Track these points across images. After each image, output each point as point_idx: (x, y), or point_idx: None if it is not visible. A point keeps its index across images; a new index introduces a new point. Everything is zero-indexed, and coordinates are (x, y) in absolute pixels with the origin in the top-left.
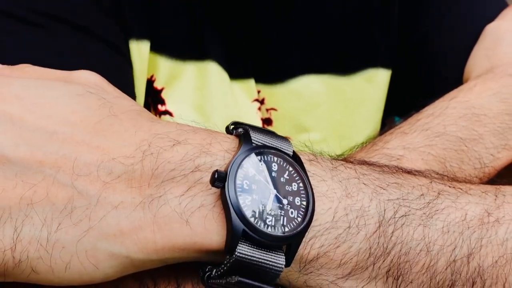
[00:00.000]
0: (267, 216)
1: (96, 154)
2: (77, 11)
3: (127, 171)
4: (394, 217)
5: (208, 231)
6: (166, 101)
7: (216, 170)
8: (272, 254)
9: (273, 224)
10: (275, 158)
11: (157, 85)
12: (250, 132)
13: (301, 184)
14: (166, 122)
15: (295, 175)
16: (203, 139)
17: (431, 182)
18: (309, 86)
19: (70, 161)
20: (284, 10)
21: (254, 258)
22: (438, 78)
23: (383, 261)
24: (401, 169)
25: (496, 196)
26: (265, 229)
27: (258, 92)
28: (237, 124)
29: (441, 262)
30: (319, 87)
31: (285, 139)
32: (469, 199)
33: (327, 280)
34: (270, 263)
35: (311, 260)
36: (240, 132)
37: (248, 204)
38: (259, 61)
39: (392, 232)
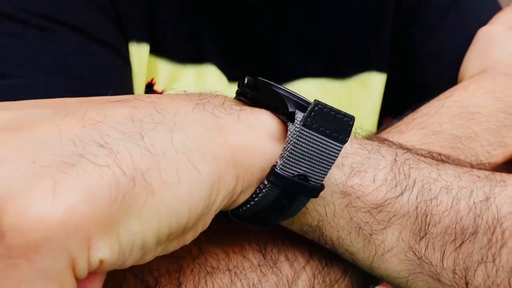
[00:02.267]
0: None
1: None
2: (77, 14)
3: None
4: (407, 159)
5: (262, 121)
6: None
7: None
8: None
9: None
10: None
11: (157, 88)
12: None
13: None
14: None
15: None
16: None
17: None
18: (305, 89)
19: None
20: (282, 16)
21: (329, 107)
22: (432, 83)
23: (410, 194)
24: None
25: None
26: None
27: None
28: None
29: (462, 204)
30: (315, 91)
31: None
32: (471, 169)
33: (364, 208)
34: (343, 113)
35: (348, 177)
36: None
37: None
38: (257, 65)
39: (409, 170)
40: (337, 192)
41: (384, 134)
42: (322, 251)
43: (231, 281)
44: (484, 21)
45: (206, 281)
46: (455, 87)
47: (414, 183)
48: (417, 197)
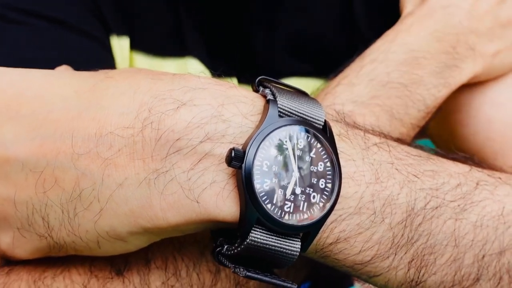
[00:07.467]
0: (286, 202)
1: (92, 128)
2: (57, 7)
3: (128, 144)
4: (425, 208)
5: (221, 210)
6: None
7: (233, 149)
8: (288, 240)
9: (291, 210)
10: (302, 134)
11: None
12: (277, 98)
13: (328, 164)
14: (170, 76)
15: (322, 152)
16: (213, 99)
17: (470, 170)
18: None
19: (68, 141)
20: (270, 14)
21: (267, 245)
22: None
23: (406, 252)
24: (439, 153)
25: None
26: (281, 218)
27: None
28: (264, 81)
29: (468, 256)
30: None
31: (316, 103)
32: (508, 190)
33: (344, 265)
34: (285, 249)
35: (329, 244)
36: (266, 93)
37: (266, 190)
38: (243, 62)
39: (420, 224)
40: (308, 253)
41: (335, 87)
42: None
43: (200, 252)
44: None
45: (174, 256)
46: (399, 28)
47: (418, 238)
48: (415, 252)
